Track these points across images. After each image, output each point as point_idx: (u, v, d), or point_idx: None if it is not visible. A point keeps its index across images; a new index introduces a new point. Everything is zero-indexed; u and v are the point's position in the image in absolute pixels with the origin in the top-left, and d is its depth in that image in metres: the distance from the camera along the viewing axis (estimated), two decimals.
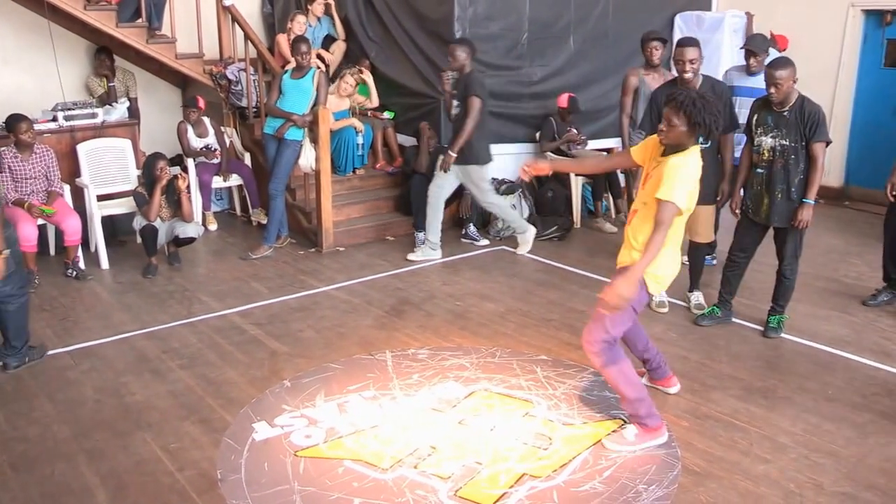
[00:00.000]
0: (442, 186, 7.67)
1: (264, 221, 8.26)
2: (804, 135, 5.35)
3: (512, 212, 8.02)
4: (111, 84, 8.72)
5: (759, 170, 5.57)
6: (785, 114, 5.37)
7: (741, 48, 7.21)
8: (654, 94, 6.21)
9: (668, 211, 4.06)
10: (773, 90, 5.30)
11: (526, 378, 5.13)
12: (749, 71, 6.80)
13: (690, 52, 5.76)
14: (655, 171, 4.19)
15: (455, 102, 7.43)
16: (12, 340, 5.33)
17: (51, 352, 5.55)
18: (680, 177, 4.09)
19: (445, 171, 7.50)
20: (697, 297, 6.36)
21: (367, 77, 9.29)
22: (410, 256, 7.70)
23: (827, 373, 5.27)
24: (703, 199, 5.90)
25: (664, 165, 4.13)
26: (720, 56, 9.67)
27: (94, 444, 4.36)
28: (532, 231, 7.94)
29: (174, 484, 4.00)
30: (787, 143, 5.39)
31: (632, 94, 7.27)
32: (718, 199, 6.03)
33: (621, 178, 8.74)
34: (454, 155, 7.37)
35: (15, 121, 6.79)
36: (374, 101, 9.32)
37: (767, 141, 5.47)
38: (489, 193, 7.78)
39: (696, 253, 6.32)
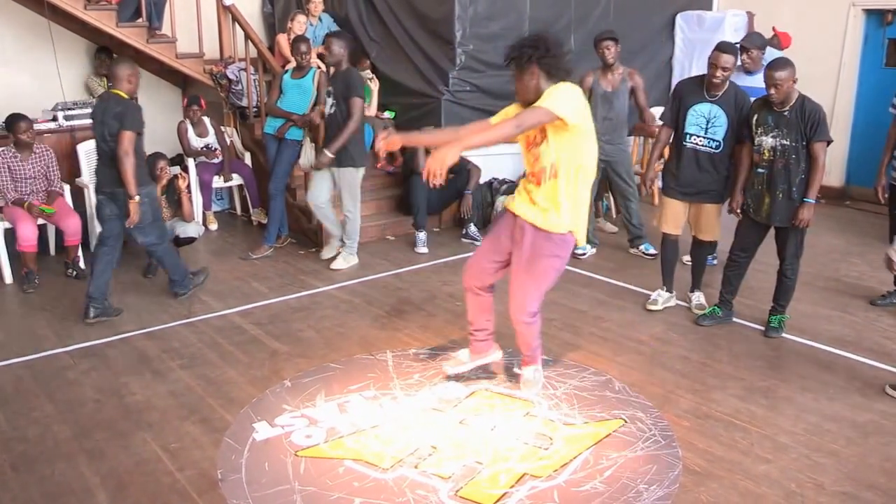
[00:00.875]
0: (316, 191, 7.35)
1: (265, 221, 8.27)
2: (805, 134, 5.35)
3: (356, 230, 7.46)
4: (111, 84, 8.73)
5: (759, 169, 5.57)
6: (785, 113, 5.37)
7: (735, 44, 7.22)
8: (677, 88, 6.24)
9: (536, 114, 4.17)
10: (772, 91, 5.30)
11: None
12: (745, 69, 6.81)
13: (725, 59, 5.73)
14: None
15: (329, 101, 7.12)
16: (172, 275, 6.49)
17: (51, 351, 5.56)
18: (559, 93, 4.19)
19: (318, 170, 7.27)
20: (699, 297, 6.35)
21: (374, 85, 9.24)
22: (334, 265, 7.40)
23: (828, 372, 5.27)
24: (710, 198, 5.96)
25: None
26: None
27: (94, 444, 4.36)
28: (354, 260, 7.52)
29: (174, 484, 4.00)
30: (788, 142, 5.39)
31: (587, 95, 7.34)
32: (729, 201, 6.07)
33: None
34: (331, 155, 7.02)
35: (14, 120, 6.81)
36: (373, 109, 9.25)
37: (768, 141, 5.47)
38: (355, 202, 7.29)
39: (698, 252, 6.31)
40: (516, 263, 4.58)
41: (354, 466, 4.15)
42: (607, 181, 7.83)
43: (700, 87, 5.93)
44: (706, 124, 5.86)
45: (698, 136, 5.91)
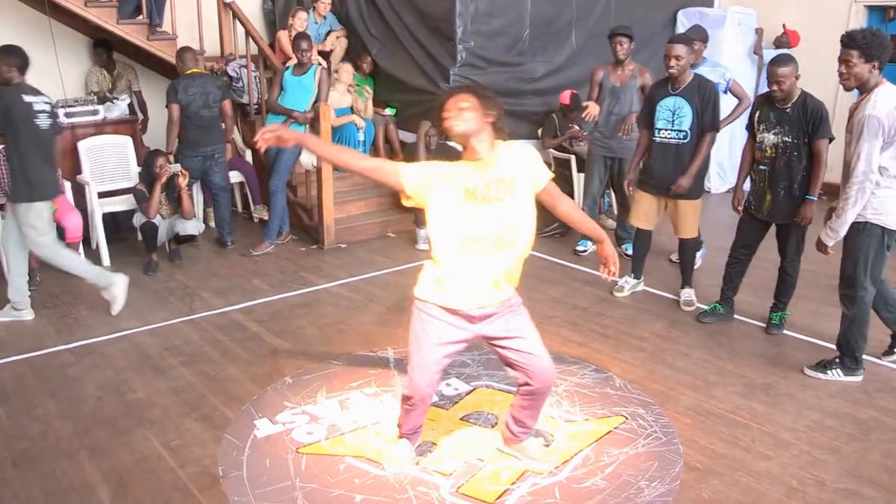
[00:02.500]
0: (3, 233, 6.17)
1: (265, 217, 8.28)
2: (807, 132, 5.36)
3: (84, 267, 6.20)
4: (116, 71, 8.75)
5: (761, 166, 5.58)
6: (787, 110, 5.38)
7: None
8: (649, 89, 6.44)
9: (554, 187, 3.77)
10: (775, 87, 5.31)
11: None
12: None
13: (676, 49, 5.93)
14: (495, 177, 3.61)
15: None
16: (219, 226, 8.02)
17: (52, 349, 5.57)
18: (534, 152, 3.77)
19: None
20: (688, 294, 6.45)
21: (367, 94, 9.24)
22: None
23: None
24: (687, 195, 6.11)
25: (509, 157, 3.66)
26: (722, 52, 9.68)
27: (95, 441, 4.38)
28: (119, 284, 6.16)
29: (176, 481, 4.01)
30: (790, 139, 5.40)
31: (596, 89, 7.45)
32: (672, 188, 6.16)
33: None
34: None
35: None
36: (369, 111, 9.24)
37: (770, 137, 5.48)
38: (35, 242, 5.96)
39: (683, 251, 6.46)
40: (511, 341, 3.84)
41: (355, 463, 4.16)
42: (610, 178, 7.81)
43: (666, 84, 6.12)
44: (672, 117, 6.04)
45: (666, 130, 6.10)
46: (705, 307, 6.20)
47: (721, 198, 9.95)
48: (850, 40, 4.78)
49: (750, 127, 5.68)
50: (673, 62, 5.94)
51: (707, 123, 6.01)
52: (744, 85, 7.57)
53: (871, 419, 4.64)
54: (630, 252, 7.31)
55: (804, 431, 4.49)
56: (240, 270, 7.28)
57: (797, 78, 5.36)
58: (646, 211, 6.36)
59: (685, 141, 6.03)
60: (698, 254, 7.28)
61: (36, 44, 8.20)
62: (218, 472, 4.08)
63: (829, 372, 5.19)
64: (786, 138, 5.44)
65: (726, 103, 6.86)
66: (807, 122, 5.35)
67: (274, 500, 3.84)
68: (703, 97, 5.98)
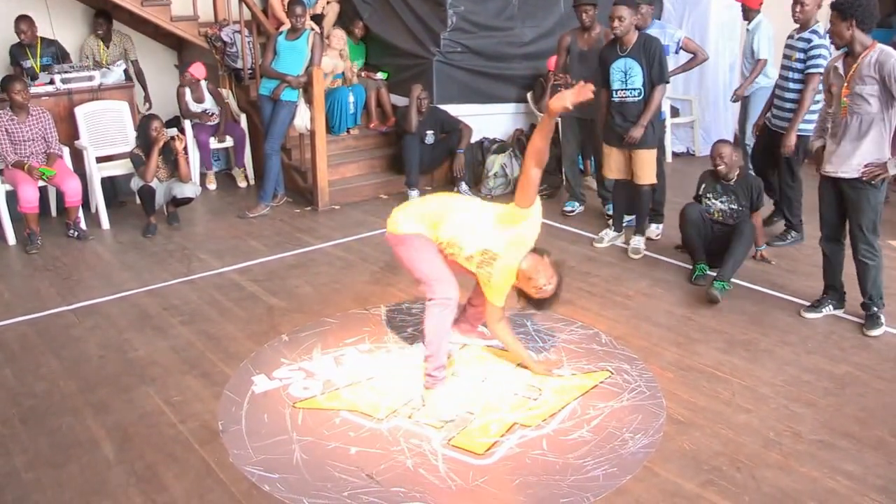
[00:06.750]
0: None
1: (242, 185, 8.73)
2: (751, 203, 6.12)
3: None
4: (112, 42, 8.79)
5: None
6: (731, 184, 6.12)
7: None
8: (601, 53, 6.63)
9: None
10: (615, 24, 6.20)
11: (517, 331, 5.19)
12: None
13: (619, 10, 6.19)
14: None
15: None
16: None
17: (55, 310, 5.68)
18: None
19: None
20: (638, 241, 6.77)
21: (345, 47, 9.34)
22: None
23: (807, 327, 5.39)
24: (641, 145, 6.46)
25: None
26: (709, 17, 9.75)
27: (99, 398, 4.49)
28: None
29: (177, 435, 4.13)
30: (736, 206, 6.11)
31: (564, 54, 7.50)
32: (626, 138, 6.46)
33: None
34: None
35: (8, 81, 6.86)
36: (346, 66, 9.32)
37: (717, 204, 6.17)
38: None
39: (638, 196, 6.74)
40: None
41: (350, 417, 4.27)
42: (586, 139, 7.89)
43: (615, 46, 6.39)
44: (624, 77, 6.35)
45: (622, 90, 6.42)
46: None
47: (705, 161, 10.03)
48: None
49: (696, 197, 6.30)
50: (616, 23, 6.19)
51: (656, 77, 6.32)
52: (729, 49, 7.64)
53: (847, 374, 4.75)
54: (611, 212, 7.44)
55: (782, 386, 4.61)
56: (236, 232, 7.36)
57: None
58: (615, 164, 6.69)
59: (640, 98, 6.38)
60: (655, 226, 7.28)
61: (31, 11, 8.24)
62: (217, 426, 4.19)
63: (823, 309, 5.56)
64: (733, 206, 6.10)
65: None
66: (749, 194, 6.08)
67: (272, 453, 3.96)
68: (649, 54, 6.27)
